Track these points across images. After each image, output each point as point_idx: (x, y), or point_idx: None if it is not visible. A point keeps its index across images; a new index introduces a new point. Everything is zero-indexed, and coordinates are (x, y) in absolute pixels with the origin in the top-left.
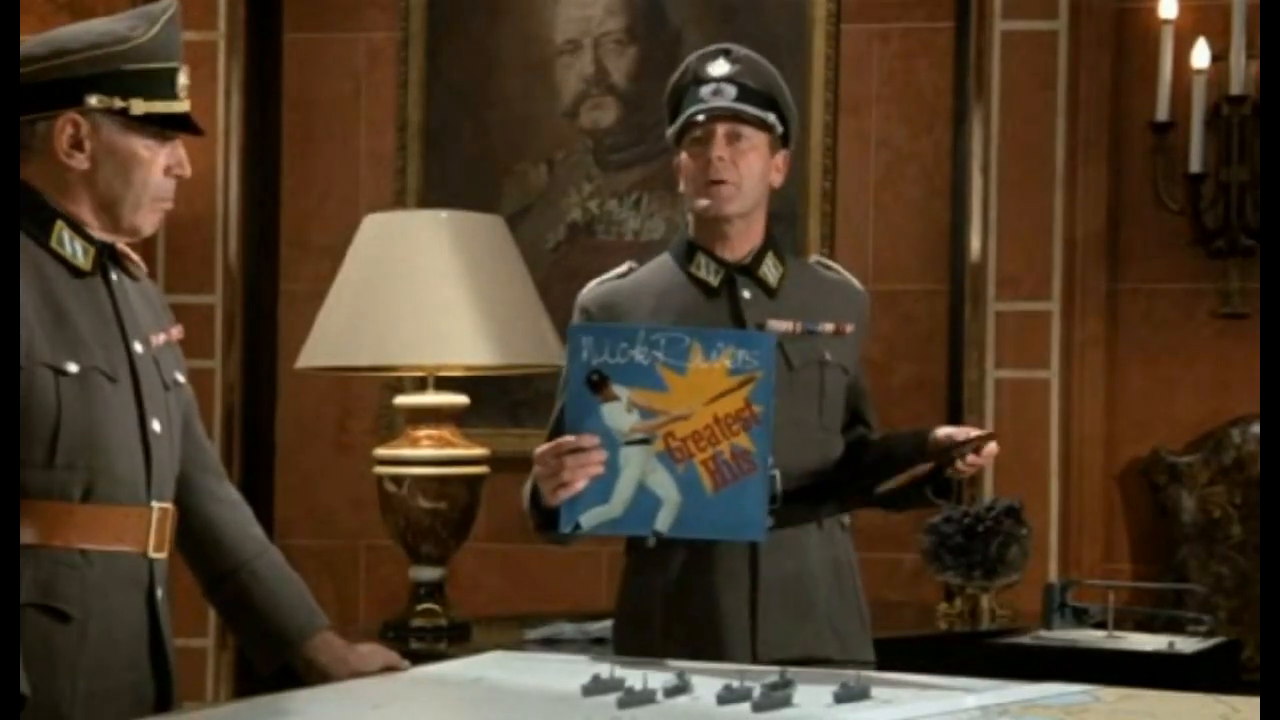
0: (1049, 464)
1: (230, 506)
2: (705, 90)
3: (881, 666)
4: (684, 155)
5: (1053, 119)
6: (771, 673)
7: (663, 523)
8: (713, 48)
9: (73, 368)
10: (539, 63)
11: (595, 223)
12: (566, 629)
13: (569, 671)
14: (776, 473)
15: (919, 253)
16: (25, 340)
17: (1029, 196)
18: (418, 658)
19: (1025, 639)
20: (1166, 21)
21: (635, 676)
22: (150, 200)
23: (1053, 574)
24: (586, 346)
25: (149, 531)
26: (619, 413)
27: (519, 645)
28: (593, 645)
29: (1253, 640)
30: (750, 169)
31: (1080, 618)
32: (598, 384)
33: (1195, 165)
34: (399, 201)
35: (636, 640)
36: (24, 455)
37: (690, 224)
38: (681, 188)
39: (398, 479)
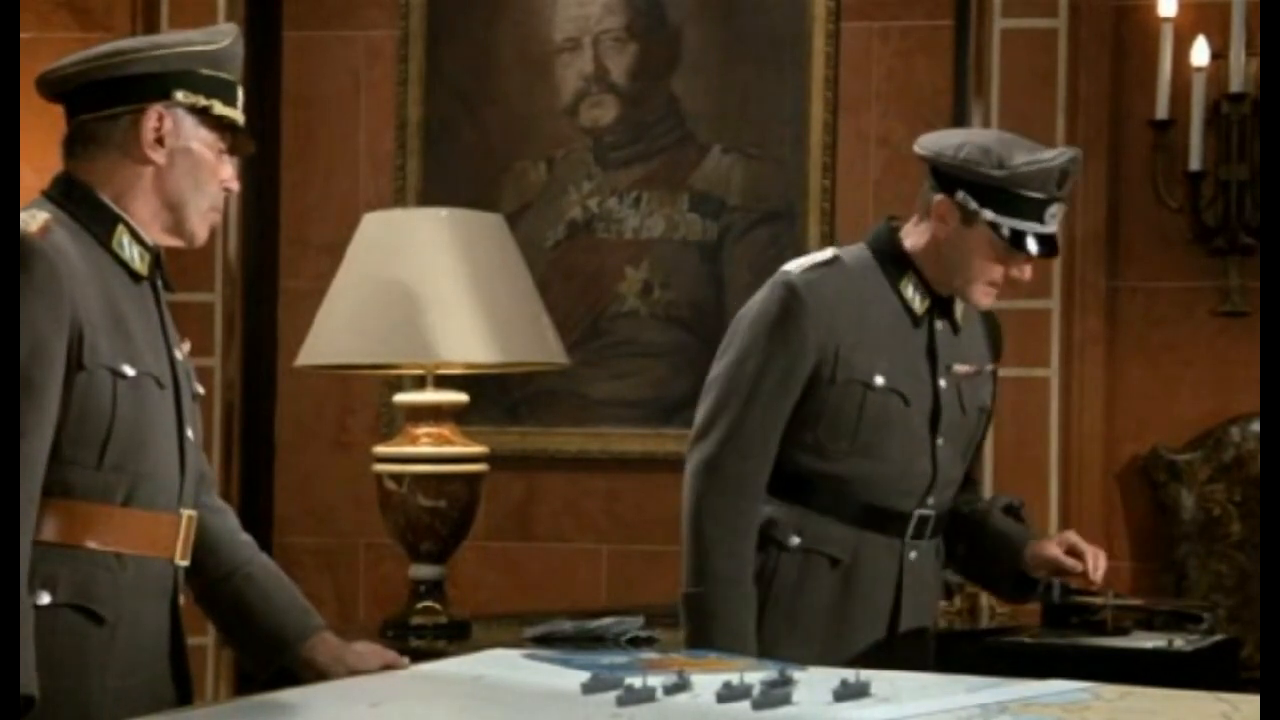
0: (1049, 462)
1: (219, 514)
2: (1051, 212)
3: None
4: (983, 239)
5: (1052, 117)
6: (771, 670)
7: None
8: (1074, 158)
9: (130, 371)
10: (538, 60)
11: (595, 221)
12: (566, 626)
13: (569, 669)
14: (933, 513)
15: None
16: (89, 341)
17: None
18: (417, 656)
19: (1024, 637)
20: (1166, 19)
21: (635, 674)
22: (208, 208)
23: None
24: None
25: (178, 538)
26: None
27: (519, 643)
28: (594, 643)
29: (1252, 638)
30: None
31: (1080, 616)
32: None
33: (1195, 163)
34: (398, 199)
35: (787, 638)
36: (73, 455)
37: (911, 239)
38: (944, 234)
39: (397, 477)
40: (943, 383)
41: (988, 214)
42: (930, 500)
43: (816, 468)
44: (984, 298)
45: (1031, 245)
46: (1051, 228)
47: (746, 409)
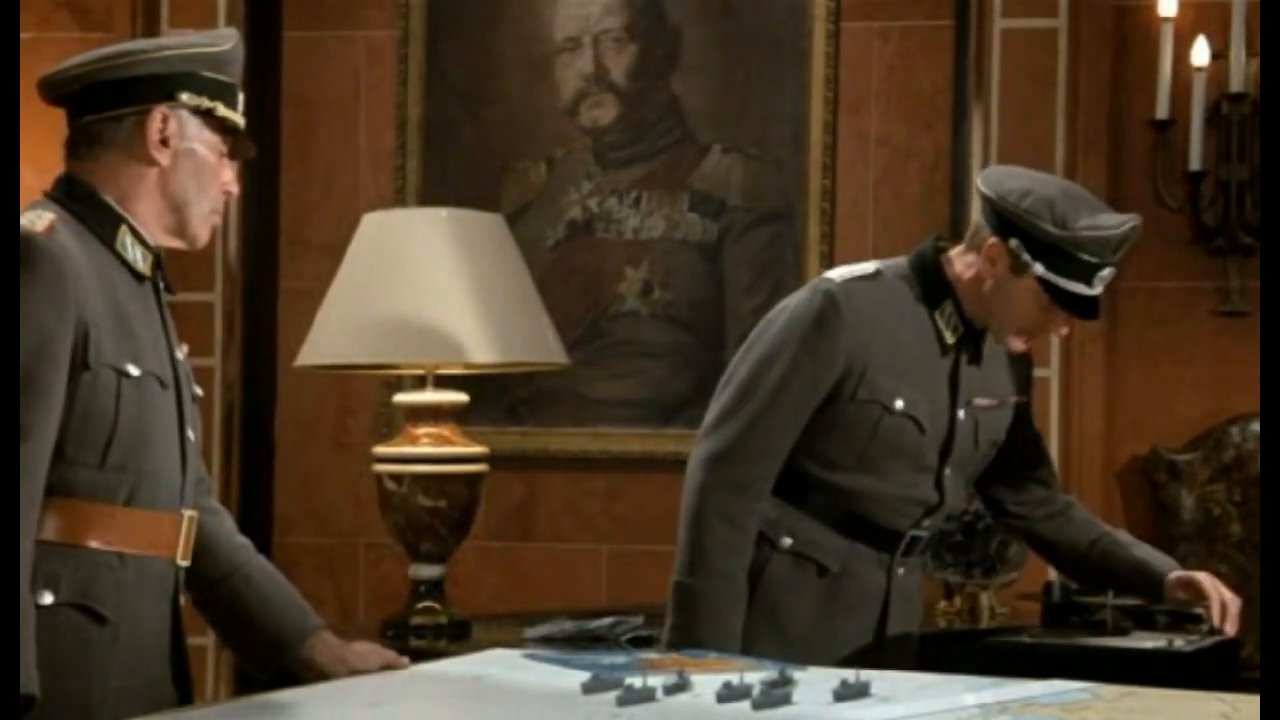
0: None
1: (215, 516)
2: (1101, 275)
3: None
4: (1028, 290)
5: (1052, 117)
6: (771, 670)
7: None
8: (1135, 226)
9: (134, 371)
10: (538, 61)
11: (595, 221)
12: (567, 626)
13: (569, 669)
14: (926, 535)
15: None
16: (94, 340)
17: None
18: (417, 656)
19: (1024, 637)
20: (1166, 19)
21: (635, 674)
22: (210, 210)
23: (1052, 572)
24: None
25: (179, 538)
26: None
27: (519, 643)
28: (594, 643)
29: (1252, 639)
30: None
31: (1080, 616)
32: None
33: (1195, 163)
34: (398, 199)
35: (766, 638)
36: (76, 455)
37: (955, 269)
38: (990, 275)
39: (397, 477)
40: (960, 414)
41: (1038, 268)
42: (926, 523)
43: (818, 475)
44: (1016, 344)
45: (1074, 306)
46: (1097, 290)
47: (765, 412)
